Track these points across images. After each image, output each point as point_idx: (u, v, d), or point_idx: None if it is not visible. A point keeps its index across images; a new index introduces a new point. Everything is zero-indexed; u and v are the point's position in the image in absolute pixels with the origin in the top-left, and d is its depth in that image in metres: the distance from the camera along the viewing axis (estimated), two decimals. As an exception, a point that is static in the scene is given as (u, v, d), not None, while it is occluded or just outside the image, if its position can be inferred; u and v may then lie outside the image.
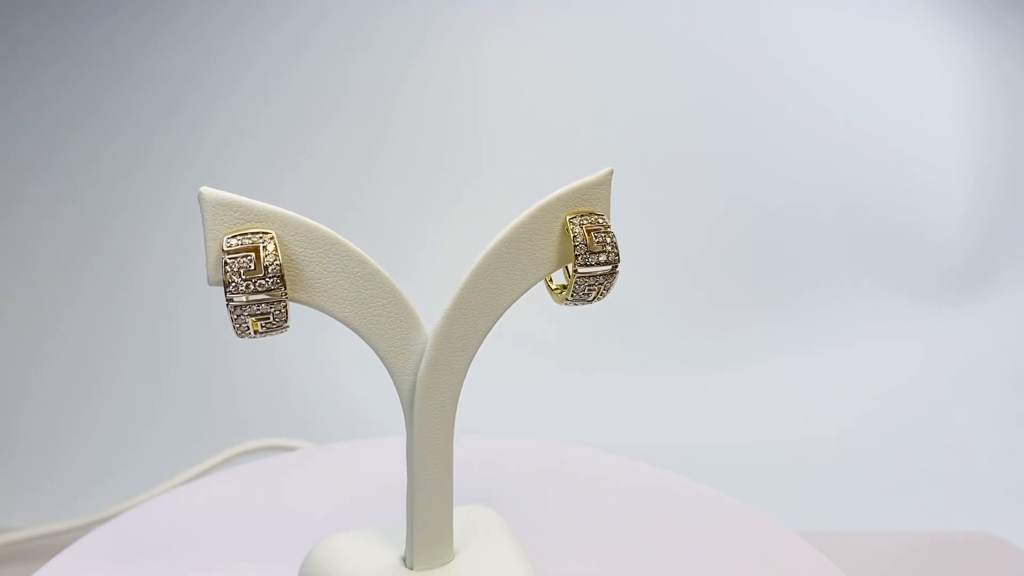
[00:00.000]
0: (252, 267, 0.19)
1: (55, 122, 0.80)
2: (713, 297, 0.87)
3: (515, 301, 0.23)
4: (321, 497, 0.35)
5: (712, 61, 0.90)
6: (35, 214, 0.79)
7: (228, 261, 0.19)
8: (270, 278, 0.19)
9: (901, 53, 0.94)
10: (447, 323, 0.23)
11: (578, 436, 0.70)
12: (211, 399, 0.72)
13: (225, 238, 0.20)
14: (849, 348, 0.84)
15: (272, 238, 0.20)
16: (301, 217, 0.21)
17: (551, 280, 0.24)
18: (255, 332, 0.20)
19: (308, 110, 0.85)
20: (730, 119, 0.90)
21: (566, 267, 0.24)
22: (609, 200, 0.24)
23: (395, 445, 0.39)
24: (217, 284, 0.20)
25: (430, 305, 0.23)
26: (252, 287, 0.19)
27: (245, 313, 0.19)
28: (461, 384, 0.24)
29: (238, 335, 0.20)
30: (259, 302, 0.19)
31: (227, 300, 0.19)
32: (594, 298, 0.23)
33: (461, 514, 0.27)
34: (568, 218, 0.23)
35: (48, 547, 0.48)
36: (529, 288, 0.23)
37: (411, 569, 0.25)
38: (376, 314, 0.22)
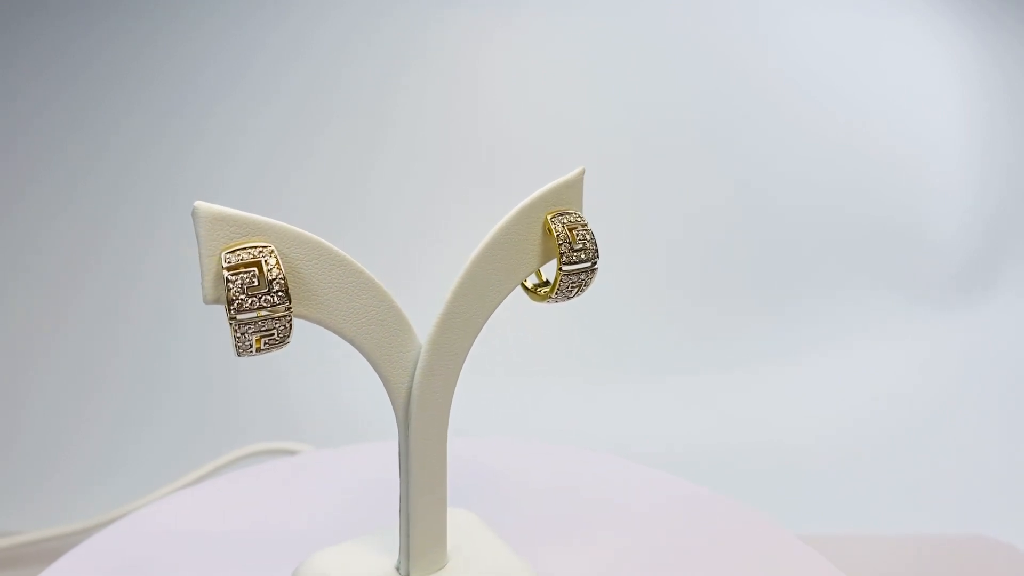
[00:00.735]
0: (256, 283, 0.19)
1: (55, 122, 0.80)
2: (712, 298, 0.87)
3: (501, 302, 0.23)
4: (322, 500, 0.35)
5: (712, 61, 0.90)
6: (35, 215, 0.79)
7: (230, 278, 0.18)
8: (275, 293, 0.19)
9: (901, 53, 0.93)
10: (441, 329, 0.23)
11: (578, 439, 0.69)
12: (212, 403, 0.73)
13: (223, 253, 0.19)
14: (849, 349, 0.84)
15: (272, 252, 0.19)
16: (295, 228, 0.20)
17: (525, 281, 0.24)
18: (257, 349, 0.19)
19: (308, 110, 0.85)
20: (730, 119, 0.89)
21: (539, 268, 0.24)
22: (582, 198, 0.24)
23: (396, 448, 0.39)
24: (215, 302, 0.19)
25: (415, 312, 0.23)
26: (257, 303, 0.19)
27: (250, 331, 0.19)
28: (454, 389, 0.24)
29: (239, 354, 0.19)
30: (265, 318, 0.19)
31: (230, 318, 0.18)
32: (575, 294, 0.24)
33: None
34: (549, 217, 0.23)
35: (47, 551, 0.48)
36: (514, 288, 0.24)
37: None
38: (371, 325, 0.22)
